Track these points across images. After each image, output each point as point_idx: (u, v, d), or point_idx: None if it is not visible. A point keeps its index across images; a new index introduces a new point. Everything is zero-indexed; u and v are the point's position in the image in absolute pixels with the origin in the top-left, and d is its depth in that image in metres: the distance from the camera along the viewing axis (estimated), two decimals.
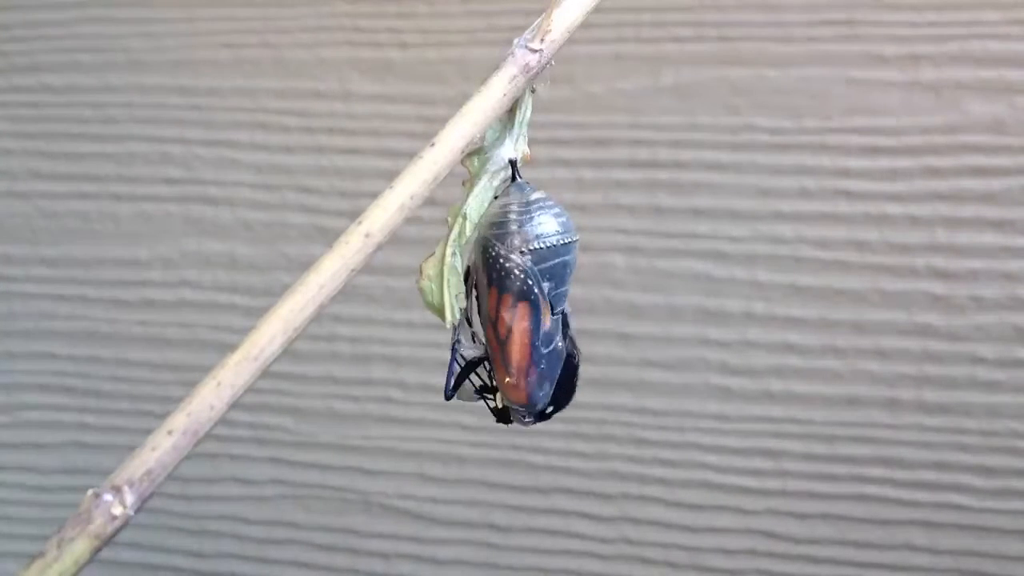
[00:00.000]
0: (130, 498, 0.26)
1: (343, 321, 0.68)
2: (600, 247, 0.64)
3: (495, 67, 0.31)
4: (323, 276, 0.29)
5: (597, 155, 0.64)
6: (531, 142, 0.33)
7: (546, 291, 0.33)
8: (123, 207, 0.71)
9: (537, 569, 0.68)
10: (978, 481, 0.62)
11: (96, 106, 0.70)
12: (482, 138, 0.32)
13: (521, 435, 0.66)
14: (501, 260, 0.32)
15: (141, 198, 0.70)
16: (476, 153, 0.33)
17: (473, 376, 0.35)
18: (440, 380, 0.34)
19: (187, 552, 0.72)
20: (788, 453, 0.64)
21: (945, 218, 0.61)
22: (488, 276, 0.33)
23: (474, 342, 0.34)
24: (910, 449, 0.62)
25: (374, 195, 0.30)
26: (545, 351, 0.33)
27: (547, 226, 0.32)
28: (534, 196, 0.33)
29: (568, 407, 0.35)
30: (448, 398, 0.34)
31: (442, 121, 0.31)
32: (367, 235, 0.29)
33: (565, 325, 0.34)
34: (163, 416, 0.28)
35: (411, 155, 0.30)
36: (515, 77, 0.31)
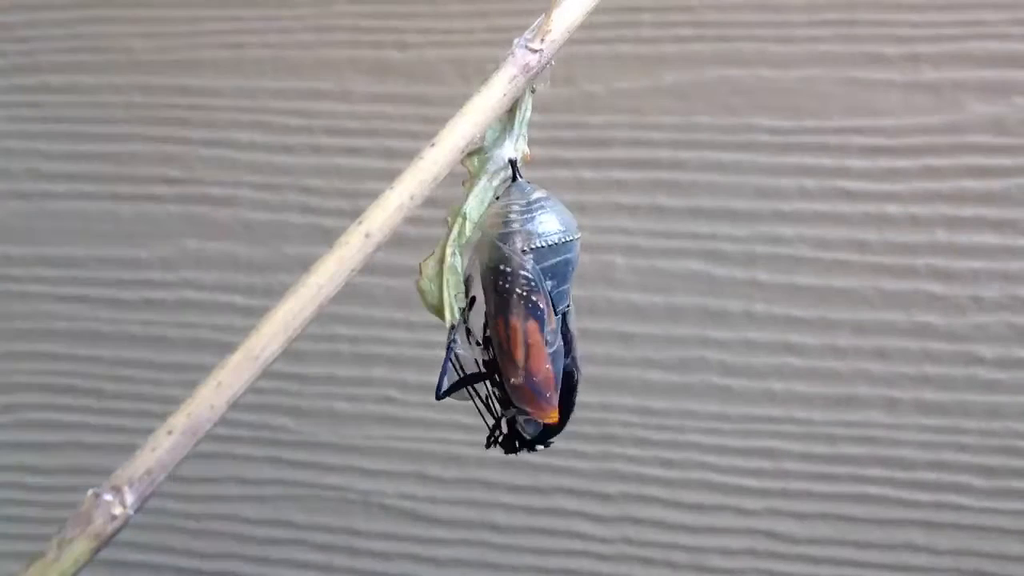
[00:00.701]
0: (130, 498, 0.26)
1: (343, 321, 0.68)
2: (600, 247, 0.64)
3: (495, 67, 0.31)
4: (323, 276, 0.29)
5: (597, 155, 0.64)
6: (531, 142, 0.33)
7: (548, 289, 0.33)
8: (123, 207, 0.71)
9: (537, 569, 0.68)
10: (978, 481, 0.62)
11: (97, 106, 0.70)
12: (482, 138, 0.32)
13: None
14: (502, 259, 0.32)
15: (141, 198, 0.70)
16: (476, 153, 0.33)
17: (477, 388, 0.35)
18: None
19: (187, 552, 0.72)
20: (788, 453, 0.64)
21: (945, 218, 0.61)
22: (489, 276, 0.33)
23: (470, 343, 0.34)
24: (910, 449, 0.62)
25: (374, 195, 0.30)
26: (550, 351, 0.33)
27: (548, 225, 0.32)
28: (535, 195, 0.33)
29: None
30: (439, 398, 0.34)
31: (442, 121, 0.31)
32: (367, 235, 0.29)
33: (567, 342, 0.34)
34: (163, 416, 0.28)
35: (411, 155, 0.30)
36: (515, 77, 0.31)
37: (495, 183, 0.33)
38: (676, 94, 0.63)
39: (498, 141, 0.33)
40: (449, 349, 0.34)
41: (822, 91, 0.61)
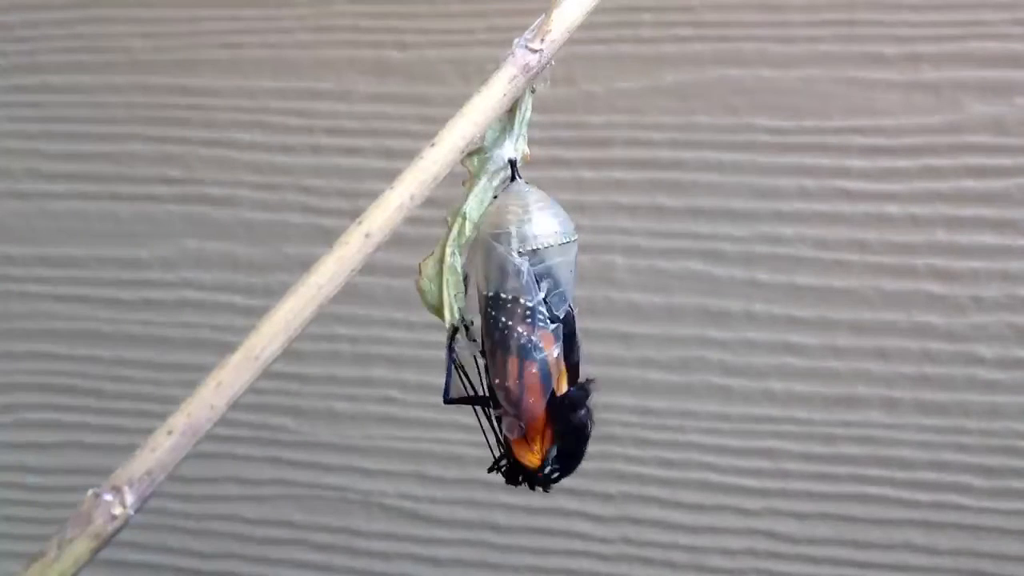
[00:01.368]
0: (130, 498, 0.26)
1: (343, 321, 0.68)
2: (600, 247, 0.64)
3: (495, 67, 0.31)
4: (323, 276, 0.29)
5: (597, 155, 0.64)
6: (531, 142, 0.33)
7: (545, 291, 0.33)
8: (123, 207, 0.71)
9: (537, 569, 0.68)
10: (978, 481, 0.62)
11: (96, 106, 0.70)
12: (482, 138, 0.32)
13: None
14: (500, 260, 0.32)
15: (141, 198, 0.70)
16: (476, 153, 0.33)
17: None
18: (440, 380, 0.34)
19: (187, 552, 0.72)
20: (788, 453, 0.64)
21: (945, 218, 0.61)
22: (487, 276, 0.33)
23: (470, 340, 0.34)
24: (910, 449, 0.62)
25: (374, 195, 0.30)
26: (539, 356, 0.33)
27: (546, 226, 0.32)
28: (534, 196, 0.33)
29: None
30: (447, 402, 0.34)
31: (442, 121, 0.31)
32: (367, 235, 0.29)
33: (575, 377, 0.33)
34: (163, 416, 0.28)
35: (411, 155, 0.30)
36: (515, 77, 0.31)
37: (495, 183, 0.33)
38: (676, 94, 0.63)
39: (498, 141, 0.33)
40: (451, 349, 0.34)
41: (822, 91, 0.61)
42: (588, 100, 0.64)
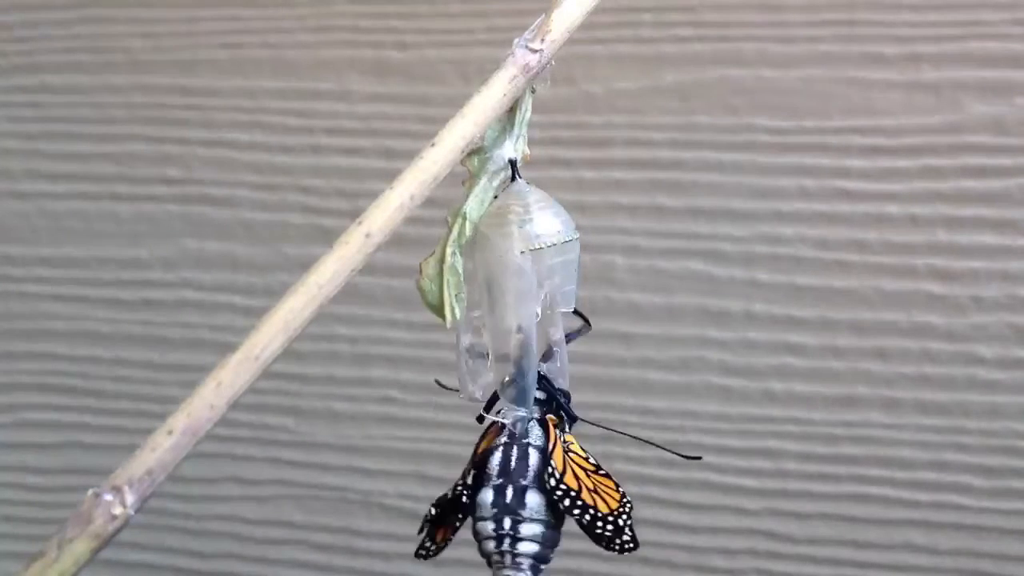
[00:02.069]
0: (130, 498, 0.26)
1: (343, 321, 0.68)
2: (600, 247, 0.64)
3: (495, 67, 0.31)
4: (323, 276, 0.29)
5: (597, 155, 0.64)
6: (531, 142, 0.33)
7: (548, 290, 0.33)
8: (123, 207, 0.71)
9: None
10: (978, 481, 0.62)
11: (96, 106, 0.70)
12: (482, 138, 0.32)
13: None
14: (501, 260, 0.32)
15: (141, 198, 0.70)
16: (476, 153, 0.33)
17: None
18: (441, 379, 0.34)
19: (187, 552, 0.72)
20: (788, 453, 0.64)
21: (945, 218, 0.61)
22: (488, 276, 0.33)
23: (474, 335, 0.34)
24: (910, 449, 0.62)
25: (374, 195, 0.30)
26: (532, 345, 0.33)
27: (548, 226, 0.33)
28: (534, 196, 0.33)
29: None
30: (482, 410, 0.34)
31: (442, 121, 0.31)
32: (367, 235, 0.29)
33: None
34: (163, 416, 0.28)
35: (411, 155, 0.30)
36: (515, 77, 0.31)
37: (495, 183, 0.33)
38: (676, 94, 0.63)
39: (498, 141, 0.33)
40: (460, 351, 0.34)
41: (822, 91, 0.61)
42: (588, 100, 0.64)
